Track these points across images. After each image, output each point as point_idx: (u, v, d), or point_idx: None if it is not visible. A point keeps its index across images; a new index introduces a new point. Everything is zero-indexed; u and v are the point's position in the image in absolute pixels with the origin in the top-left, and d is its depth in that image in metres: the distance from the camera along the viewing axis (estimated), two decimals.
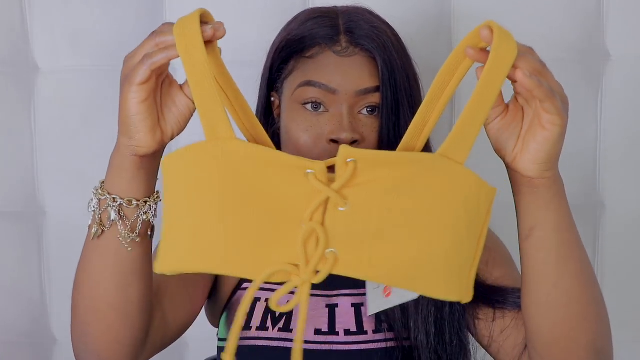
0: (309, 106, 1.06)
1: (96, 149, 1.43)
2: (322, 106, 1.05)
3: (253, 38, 1.41)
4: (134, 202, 0.89)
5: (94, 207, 0.92)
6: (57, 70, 1.42)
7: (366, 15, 1.09)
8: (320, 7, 1.13)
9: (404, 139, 0.86)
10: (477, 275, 0.90)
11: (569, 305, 0.90)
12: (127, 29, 1.41)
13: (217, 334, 1.17)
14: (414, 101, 1.07)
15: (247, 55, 1.41)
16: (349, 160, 0.76)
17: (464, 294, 0.81)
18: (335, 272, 0.77)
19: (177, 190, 0.81)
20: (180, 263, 0.80)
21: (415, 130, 0.86)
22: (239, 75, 1.41)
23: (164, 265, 0.81)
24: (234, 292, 1.12)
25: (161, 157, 0.90)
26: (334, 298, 1.10)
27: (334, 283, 1.08)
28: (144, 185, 0.90)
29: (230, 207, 0.77)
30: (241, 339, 1.06)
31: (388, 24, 1.10)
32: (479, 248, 0.82)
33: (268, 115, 1.15)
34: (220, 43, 1.41)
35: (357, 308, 1.09)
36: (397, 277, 0.78)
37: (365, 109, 1.06)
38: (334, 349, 1.06)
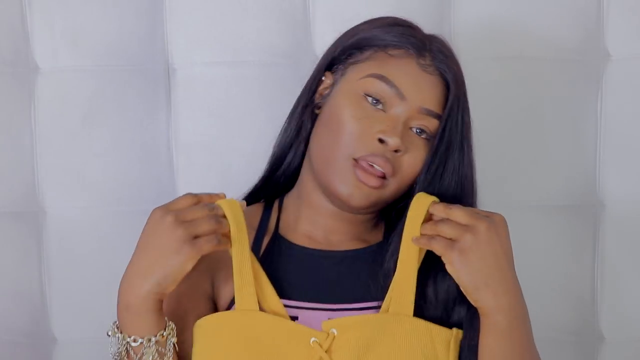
0: (370, 98, 1.06)
1: (96, 149, 1.43)
2: (382, 104, 1.06)
3: (253, 38, 1.41)
4: (164, 333, 0.99)
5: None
6: (57, 70, 1.42)
7: (449, 49, 1.11)
8: (407, 21, 1.13)
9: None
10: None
11: None
12: (127, 29, 1.41)
13: None
14: (469, 143, 1.09)
15: (247, 55, 1.41)
16: (331, 330, 1.01)
17: None
18: None
19: (208, 348, 1.02)
20: None
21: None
22: (239, 75, 1.42)
23: None
24: (229, 307, 1.10)
25: None
26: (337, 312, 1.07)
27: (337, 298, 1.08)
28: (163, 317, 1.00)
29: None
30: None
31: (462, 71, 1.12)
32: None
33: (312, 93, 1.15)
34: (220, 43, 1.42)
35: None
36: None
37: (416, 128, 1.07)
38: None
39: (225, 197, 1.03)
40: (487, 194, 1.44)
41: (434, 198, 1.04)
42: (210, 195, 1.02)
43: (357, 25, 1.14)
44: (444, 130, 1.06)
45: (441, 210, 1.01)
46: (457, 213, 0.99)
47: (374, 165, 1.05)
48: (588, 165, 1.42)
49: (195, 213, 0.98)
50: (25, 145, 1.44)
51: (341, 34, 1.15)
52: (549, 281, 1.44)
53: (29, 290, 1.46)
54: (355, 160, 1.05)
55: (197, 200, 1.01)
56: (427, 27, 1.14)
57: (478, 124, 1.41)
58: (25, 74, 1.43)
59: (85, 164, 1.43)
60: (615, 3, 1.39)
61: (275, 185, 1.19)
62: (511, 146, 1.42)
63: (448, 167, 1.07)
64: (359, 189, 1.05)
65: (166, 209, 0.99)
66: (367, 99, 1.06)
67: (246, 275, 1.02)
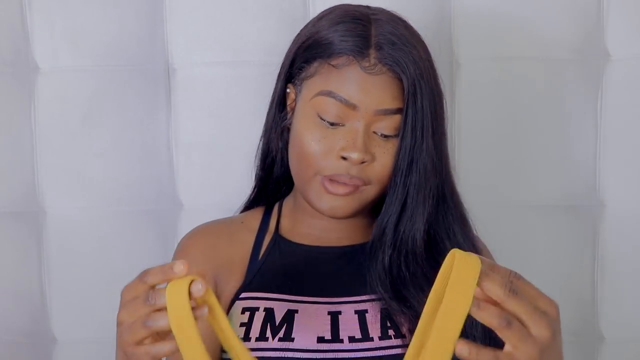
0: (325, 117, 1.05)
1: (96, 149, 1.43)
2: (339, 119, 1.05)
3: (253, 38, 1.41)
4: None
5: None
6: (57, 70, 1.42)
7: (400, 30, 1.06)
8: (354, 8, 1.09)
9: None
10: None
11: None
12: (127, 29, 1.41)
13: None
14: (437, 127, 1.06)
15: (247, 55, 1.41)
16: None
17: None
18: None
19: None
20: None
21: (413, 352, 0.81)
22: (239, 75, 1.42)
23: None
24: (232, 303, 1.10)
25: None
26: (337, 305, 1.08)
27: (337, 291, 1.08)
28: None
29: None
30: None
31: (422, 41, 1.08)
32: None
33: (281, 107, 1.15)
34: (220, 43, 1.42)
35: (362, 315, 1.07)
36: None
37: (381, 131, 1.05)
38: (339, 357, 1.03)
39: (184, 266, 0.82)
40: (487, 194, 1.44)
41: (477, 260, 0.81)
42: (163, 269, 0.84)
43: (305, 27, 1.12)
44: (405, 122, 1.04)
45: (499, 295, 0.81)
46: (515, 306, 0.82)
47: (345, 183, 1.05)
48: (588, 165, 1.42)
49: (133, 314, 0.85)
50: (25, 145, 1.43)
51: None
52: (549, 281, 1.43)
53: (29, 290, 1.46)
54: (323, 176, 1.06)
55: (143, 284, 0.85)
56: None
57: (478, 124, 1.42)
58: (25, 74, 1.43)
59: (85, 164, 1.43)
60: (615, 3, 1.39)
61: (271, 192, 1.21)
62: (511, 146, 1.42)
63: (417, 158, 1.05)
64: (336, 201, 1.06)
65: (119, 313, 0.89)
66: (322, 118, 1.05)
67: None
